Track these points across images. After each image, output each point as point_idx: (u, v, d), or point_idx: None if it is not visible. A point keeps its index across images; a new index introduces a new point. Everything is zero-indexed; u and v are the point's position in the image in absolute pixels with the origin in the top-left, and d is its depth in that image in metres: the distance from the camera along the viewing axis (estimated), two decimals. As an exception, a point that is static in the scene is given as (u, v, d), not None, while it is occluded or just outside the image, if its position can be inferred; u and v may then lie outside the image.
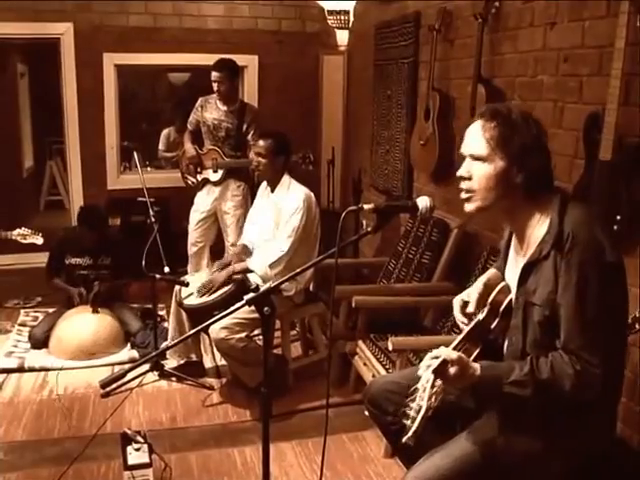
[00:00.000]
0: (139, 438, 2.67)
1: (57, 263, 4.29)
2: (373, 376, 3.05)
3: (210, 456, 2.98)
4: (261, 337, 2.71)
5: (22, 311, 4.69)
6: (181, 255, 4.71)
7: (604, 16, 2.45)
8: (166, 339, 3.85)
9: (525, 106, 2.80)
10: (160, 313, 4.33)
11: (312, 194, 3.59)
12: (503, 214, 1.84)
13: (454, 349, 1.74)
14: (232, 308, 1.94)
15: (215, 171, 4.54)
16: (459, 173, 1.79)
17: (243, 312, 2.58)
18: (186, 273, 4.44)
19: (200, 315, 3.33)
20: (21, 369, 3.79)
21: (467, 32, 3.40)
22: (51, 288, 4.36)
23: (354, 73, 5.30)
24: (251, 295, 1.85)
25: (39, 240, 3.89)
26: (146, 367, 3.69)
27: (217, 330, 3.19)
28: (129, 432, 2.69)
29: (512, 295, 1.86)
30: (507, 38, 3.11)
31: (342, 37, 4.78)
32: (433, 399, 1.58)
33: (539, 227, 1.74)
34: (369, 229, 1.95)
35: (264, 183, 3.73)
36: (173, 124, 6.76)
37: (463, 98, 3.45)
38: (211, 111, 4.55)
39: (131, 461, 2.61)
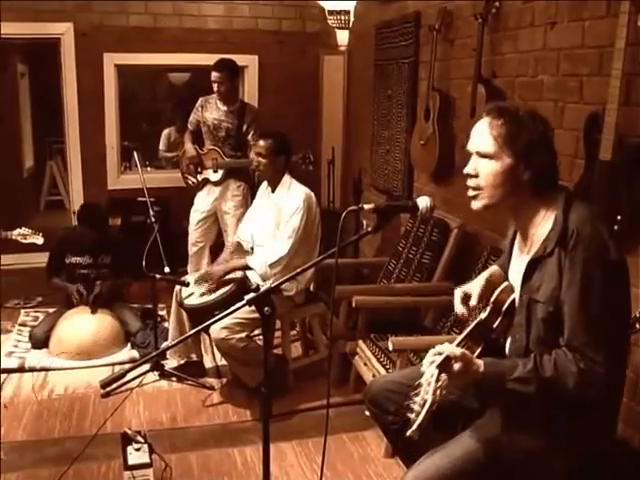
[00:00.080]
0: (139, 438, 2.67)
1: (57, 263, 4.29)
2: (373, 376, 3.05)
3: (210, 456, 2.98)
4: (261, 337, 2.71)
5: (22, 311, 4.69)
6: (181, 255, 4.71)
7: (604, 16, 2.45)
8: (166, 339, 3.86)
9: (525, 106, 2.79)
10: (160, 313, 4.33)
11: (312, 194, 3.60)
12: (509, 211, 1.84)
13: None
14: (232, 308, 1.94)
15: (215, 171, 4.55)
16: (466, 170, 1.80)
17: (243, 312, 2.58)
18: (186, 273, 4.44)
19: (200, 315, 3.33)
20: (21, 369, 3.79)
21: (467, 32, 3.40)
22: (51, 287, 4.36)
23: (354, 73, 5.30)
24: (251, 295, 1.85)
25: (39, 240, 3.90)
26: (146, 367, 3.69)
27: (217, 330, 3.19)
28: (129, 432, 2.69)
29: (515, 295, 1.86)
30: (507, 38, 3.11)
31: (342, 37, 4.78)
32: (438, 393, 1.58)
33: (543, 224, 1.75)
34: (369, 229, 1.95)
35: (264, 183, 3.74)
36: (173, 124, 6.75)
37: (463, 98, 3.45)
38: (211, 111, 4.55)
39: (131, 461, 2.61)
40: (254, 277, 3.47)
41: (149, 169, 6.57)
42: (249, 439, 3.10)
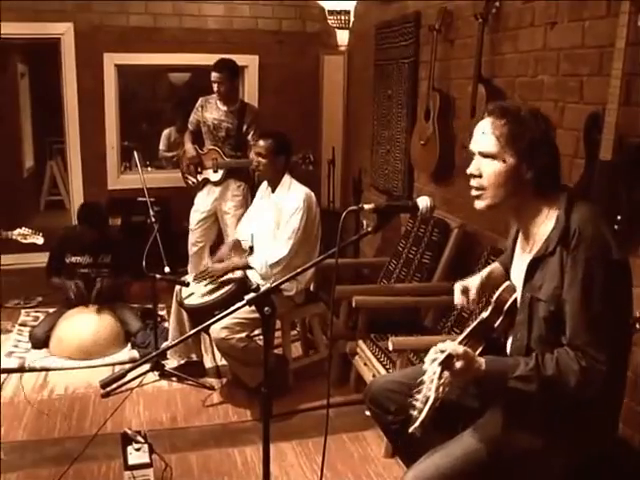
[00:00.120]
0: (139, 438, 2.67)
1: (57, 262, 4.29)
2: (373, 376, 3.05)
3: (210, 456, 2.98)
4: (261, 337, 2.71)
5: (23, 311, 4.69)
6: (181, 255, 4.71)
7: (604, 16, 2.45)
8: (166, 339, 3.86)
9: (527, 105, 2.79)
10: (160, 313, 4.33)
11: (312, 194, 3.60)
12: (511, 211, 1.85)
13: None
14: (233, 308, 1.94)
15: (215, 171, 4.55)
16: (469, 170, 1.80)
17: (244, 312, 2.58)
18: (186, 273, 4.44)
19: (201, 315, 3.34)
20: (22, 369, 3.79)
21: (467, 32, 3.40)
22: (50, 287, 4.36)
23: (354, 73, 5.30)
24: (252, 295, 1.85)
25: (39, 240, 3.89)
26: (146, 367, 3.69)
27: (218, 330, 3.19)
28: (129, 432, 2.69)
29: (517, 294, 1.87)
30: (507, 38, 3.11)
31: (342, 37, 4.78)
32: (441, 390, 1.59)
33: (546, 224, 1.75)
34: (369, 229, 1.95)
35: (264, 183, 3.74)
36: (174, 124, 6.75)
37: (463, 98, 3.45)
38: (211, 111, 4.55)
39: (131, 461, 2.61)
40: (254, 277, 3.47)
41: (149, 169, 6.57)
42: (249, 439, 3.10)
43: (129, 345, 4.10)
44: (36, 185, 8.18)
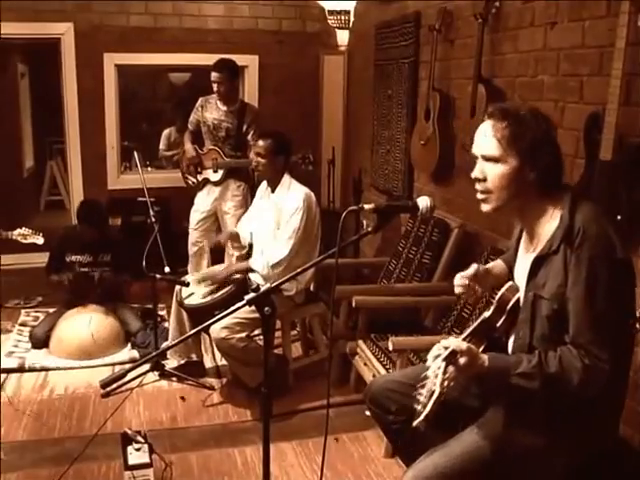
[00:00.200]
0: (139, 438, 2.67)
1: (57, 261, 4.29)
2: (374, 376, 3.05)
3: (210, 456, 2.98)
4: (261, 337, 2.71)
5: (23, 311, 4.69)
6: (181, 255, 4.71)
7: (604, 16, 2.45)
8: (166, 339, 3.85)
9: (526, 105, 2.79)
10: (160, 313, 4.33)
11: (312, 194, 3.59)
12: (516, 211, 1.85)
13: None
14: (233, 308, 1.93)
15: (215, 171, 4.55)
16: (473, 175, 1.81)
17: (244, 312, 2.57)
18: (187, 273, 4.44)
19: (201, 315, 3.34)
20: (22, 369, 3.79)
21: (467, 32, 3.40)
22: (50, 284, 4.36)
23: (354, 73, 5.30)
24: (252, 295, 1.85)
25: (40, 240, 3.89)
26: (146, 367, 3.69)
27: (218, 330, 3.19)
28: (129, 432, 2.69)
29: (520, 294, 1.87)
30: (507, 38, 3.11)
31: (342, 37, 4.78)
32: (446, 384, 1.60)
33: (550, 223, 1.76)
34: (369, 229, 1.96)
35: (264, 183, 3.74)
36: (174, 124, 6.75)
37: (463, 98, 3.45)
38: (211, 111, 4.55)
39: (131, 461, 2.61)
40: (257, 279, 3.46)
41: (149, 169, 6.57)
42: (249, 439, 3.10)
43: (129, 345, 4.10)
44: (36, 185, 8.19)
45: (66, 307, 4.19)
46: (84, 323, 3.99)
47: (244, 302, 1.85)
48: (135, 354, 3.98)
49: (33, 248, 3.99)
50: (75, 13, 5.14)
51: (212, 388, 3.60)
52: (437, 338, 3.01)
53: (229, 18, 5.52)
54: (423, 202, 1.95)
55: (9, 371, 3.75)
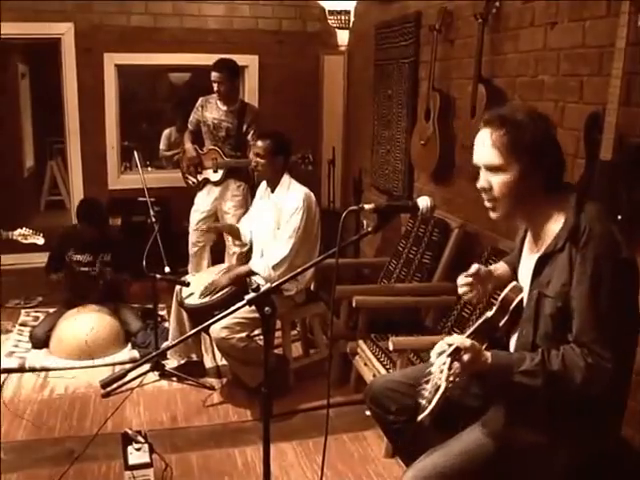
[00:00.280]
0: (140, 438, 2.67)
1: (57, 261, 4.29)
2: (374, 376, 3.05)
3: (211, 456, 2.98)
4: (262, 337, 2.71)
5: (23, 311, 4.69)
6: (182, 255, 4.71)
7: (604, 16, 2.45)
8: (167, 339, 3.85)
9: (523, 106, 2.79)
10: (161, 313, 4.33)
11: (312, 194, 3.59)
12: (524, 215, 1.85)
13: None
14: (233, 308, 1.93)
15: (215, 171, 4.55)
16: (479, 185, 1.80)
17: (244, 312, 2.57)
18: (187, 273, 4.44)
19: (201, 315, 3.33)
20: (22, 369, 3.79)
21: (467, 32, 3.40)
22: (50, 286, 4.35)
23: (354, 73, 5.30)
24: (252, 295, 1.85)
25: (40, 240, 3.88)
26: (147, 367, 3.70)
27: (218, 330, 3.19)
28: (130, 432, 2.69)
29: (523, 294, 1.87)
30: (508, 38, 3.11)
31: (343, 37, 4.79)
32: (451, 379, 1.60)
33: (555, 223, 1.76)
34: (370, 229, 1.96)
35: (263, 183, 3.73)
36: (174, 124, 6.75)
37: (464, 98, 3.44)
38: (211, 111, 4.55)
39: (132, 461, 2.61)
40: (257, 279, 3.46)
41: (149, 169, 6.57)
42: (249, 439, 3.09)
43: (129, 345, 4.10)
44: (36, 185, 8.19)
45: (66, 307, 4.19)
46: (84, 323, 3.99)
47: (244, 302, 1.85)
48: (135, 354, 3.98)
49: (33, 248, 3.98)
50: (75, 13, 5.15)
51: (212, 388, 3.60)
52: (437, 338, 3.02)
53: (229, 18, 5.52)
54: (423, 202, 1.95)
55: (9, 371, 3.75)
